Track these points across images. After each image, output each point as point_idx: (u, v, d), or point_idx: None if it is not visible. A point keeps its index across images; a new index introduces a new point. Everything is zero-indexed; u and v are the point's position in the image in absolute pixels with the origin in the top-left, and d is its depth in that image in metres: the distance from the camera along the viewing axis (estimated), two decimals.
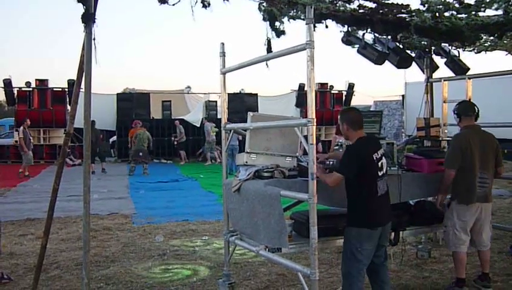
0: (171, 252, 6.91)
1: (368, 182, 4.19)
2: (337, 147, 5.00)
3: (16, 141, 21.65)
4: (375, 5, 5.15)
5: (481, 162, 5.06)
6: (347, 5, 5.19)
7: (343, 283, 4.32)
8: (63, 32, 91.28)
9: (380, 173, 4.25)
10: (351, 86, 25.43)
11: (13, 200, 11.84)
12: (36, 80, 21.96)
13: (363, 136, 4.36)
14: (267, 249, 4.37)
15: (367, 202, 4.20)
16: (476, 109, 5.31)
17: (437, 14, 5.29)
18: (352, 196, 4.25)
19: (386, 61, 6.57)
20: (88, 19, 4.31)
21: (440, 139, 6.65)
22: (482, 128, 5.30)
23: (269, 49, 5.49)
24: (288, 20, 5.53)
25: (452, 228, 5.11)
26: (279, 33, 5.55)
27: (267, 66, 4.94)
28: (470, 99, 6.73)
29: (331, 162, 4.71)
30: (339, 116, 4.48)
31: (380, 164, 4.26)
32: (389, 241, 4.99)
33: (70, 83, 20.35)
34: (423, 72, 7.52)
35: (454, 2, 5.15)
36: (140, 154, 17.59)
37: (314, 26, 3.86)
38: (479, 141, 5.09)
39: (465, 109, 5.29)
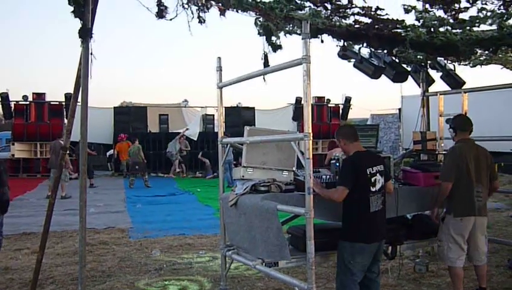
0: (167, 267, 6.87)
1: (359, 196, 4.20)
2: (333, 161, 5.01)
3: (13, 155, 21.67)
4: (370, 20, 5.20)
5: (476, 175, 5.06)
6: (343, 20, 5.23)
7: None
8: (60, 46, 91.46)
9: (372, 189, 4.25)
10: (347, 100, 25.50)
11: (9, 214, 11.60)
12: (33, 93, 21.95)
13: (362, 151, 4.42)
14: (264, 264, 4.36)
15: (359, 217, 4.22)
16: (471, 123, 5.33)
17: (432, 30, 5.35)
18: (346, 210, 4.27)
19: (382, 75, 6.62)
20: (85, 33, 4.34)
21: (436, 152, 6.67)
22: (476, 142, 5.31)
23: (266, 64, 5.52)
24: (285, 35, 5.58)
25: (447, 242, 5.09)
26: (276, 48, 5.59)
27: (264, 81, 4.97)
28: (466, 113, 6.75)
29: (328, 176, 4.73)
30: (335, 135, 4.56)
31: (373, 179, 4.26)
32: (387, 255, 4.99)
33: (68, 96, 20.34)
34: (419, 86, 7.56)
35: (449, 17, 5.21)
36: (137, 167, 17.87)
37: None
38: (473, 154, 5.10)
39: (462, 124, 5.30)
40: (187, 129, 22.51)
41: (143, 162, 18.12)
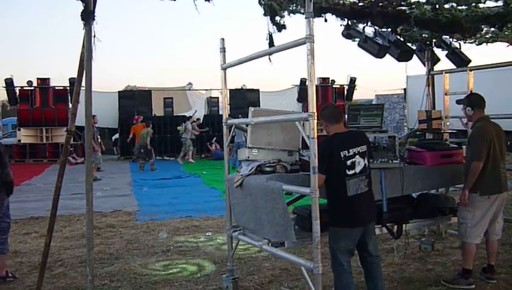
0: (174, 249, 6.93)
1: (334, 181, 4.11)
2: None
3: (19, 140, 21.76)
4: None
5: (500, 152, 5.07)
6: None
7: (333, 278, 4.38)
8: (64, 31, 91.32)
9: (349, 172, 4.11)
10: (352, 80, 25.36)
11: (17, 199, 11.77)
12: (38, 78, 21.99)
13: (341, 132, 4.30)
14: (270, 244, 4.38)
15: (338, 202, 4.17)
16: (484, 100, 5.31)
17: (437, 6, 5.29)
18: (327, 195, 4.20)
19: (387, 54, 6.57)
20: (87, 16, 4.30)
21: (442, 131, 6.64)
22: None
23: (271, 44, 5.48)
24: (289, 14, 5.52)
25: (470, 221, 5.06)
26: (280, 27, 5.54)
27: (270, 61, 4.92)
28: (471, 92, 6.72)
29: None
30: (319, 117, 4.43)
31: (349, 162, 4.12)
32: (392, 235, 5.01)
33: (72, 81, 20.32)
34: (424, 64, 7.51)
35: None
36: (142, 150, 18.20)
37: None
38: (496, 131, 5.09)
39: (479, 101, 5.24)
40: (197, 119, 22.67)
41: (147, 146, 18.20)
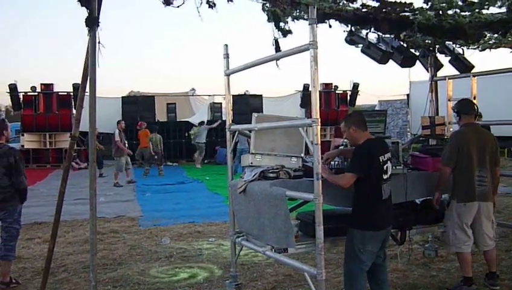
0: (177, 254, 6.92)
1: (372, 184, 4.19)
2: (342, 147, 4.99)
3: (22, 146, 21.81)
4: (378, 3, 5.16)
5: (479, 160, 5.00)
6: (350, 4, 5.19)
7: (345, 281, 4.38)
8: (68, 36, 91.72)
9: (384, 177, 4.25)
10: (355, 86, 25.32)
11: None
12: (41, 84, 22.00)
13: (371, 138, 4.38)
14: (273, 250, 4.38)
15: (372, 206, 4.22)
16: (476, 107, 5.28)
17: (440, 12, 5.29)
18: (358, 198, 4.27)
19: (390, 60, 6.58)
20: (92, 22, 4.33)
21: (445, 137, 6.63)
22: (482, 127, 5.27)
23: (278, 49, 5.50)
24: (293, 20, 5.54)
25: (452, 228, 5.07)
26: (286, 33, 5.56)
27: (277, 66, 4.96)
28: (474, 98, 6.71)
29: (336, 162, 4.72)
30: (343, 123, 4.43)
31: (385, 167, 4.25)
32: (396, 241, 5.00)
33: (76, 87, 20.36)
34: (427, 70, 7.51)
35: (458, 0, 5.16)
36: (156, 157, 18.33)
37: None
38: (477, 139, 5.04)
39: (466, 107, 5.25)
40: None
41: (161, 152, 18.53)
